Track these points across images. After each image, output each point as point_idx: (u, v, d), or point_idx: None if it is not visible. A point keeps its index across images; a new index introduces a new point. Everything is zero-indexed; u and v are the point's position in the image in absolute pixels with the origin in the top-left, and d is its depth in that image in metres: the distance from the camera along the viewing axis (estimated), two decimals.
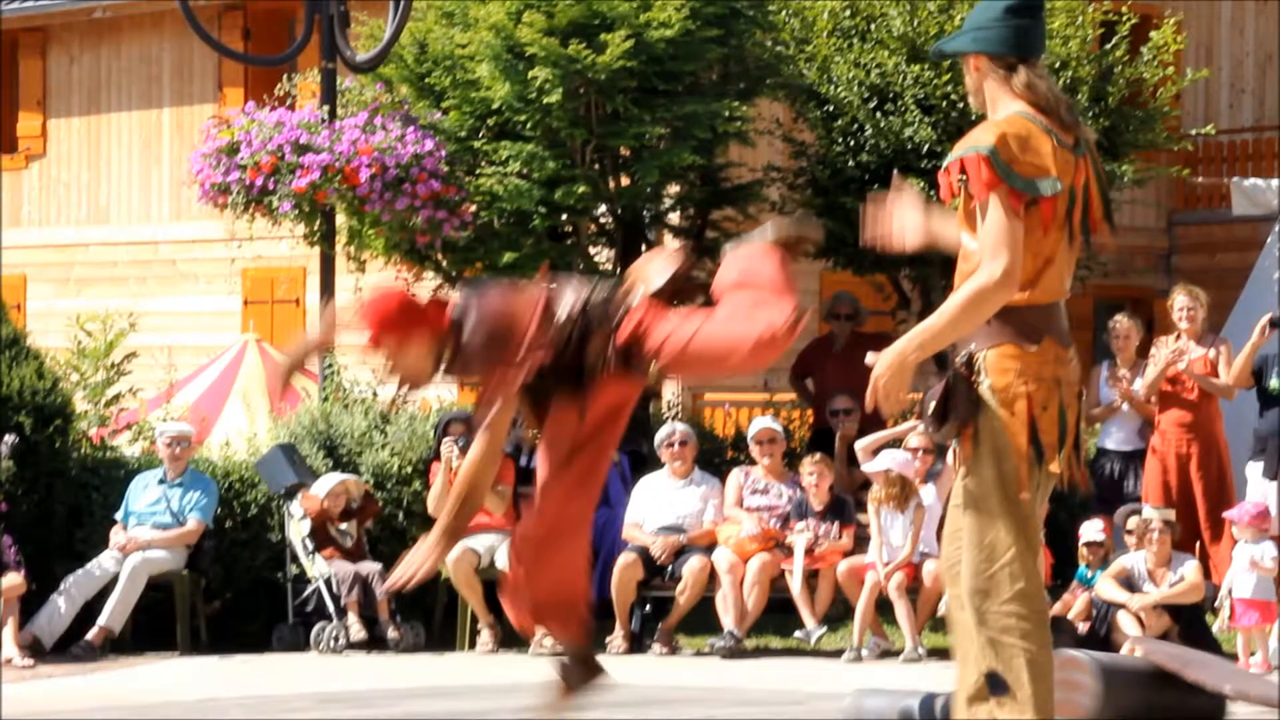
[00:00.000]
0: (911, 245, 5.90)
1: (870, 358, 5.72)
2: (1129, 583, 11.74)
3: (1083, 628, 11.75)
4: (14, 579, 11.94)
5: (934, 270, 14.33)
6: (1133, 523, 11.95)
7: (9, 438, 12.50)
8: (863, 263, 15.06)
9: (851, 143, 14.73)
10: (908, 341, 5.65)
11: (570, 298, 6.33)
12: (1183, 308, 12.70)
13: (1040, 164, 5.64)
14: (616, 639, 12.37)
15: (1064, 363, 5.76)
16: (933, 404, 5.74)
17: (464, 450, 12.55)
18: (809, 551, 12.23)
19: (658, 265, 6.48)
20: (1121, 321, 13.15)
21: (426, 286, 14.88)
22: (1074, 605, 11.75)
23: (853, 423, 13.34)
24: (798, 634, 12.14)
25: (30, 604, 12.17)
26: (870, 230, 5.88)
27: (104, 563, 12.54)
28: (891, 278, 15.31)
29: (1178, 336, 12.76)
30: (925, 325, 5.66)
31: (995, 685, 5.67)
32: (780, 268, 6.40)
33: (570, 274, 6.54)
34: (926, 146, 14.36)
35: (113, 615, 12.30)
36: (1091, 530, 11.95)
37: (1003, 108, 5.75)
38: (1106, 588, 11.73)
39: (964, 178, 5.64)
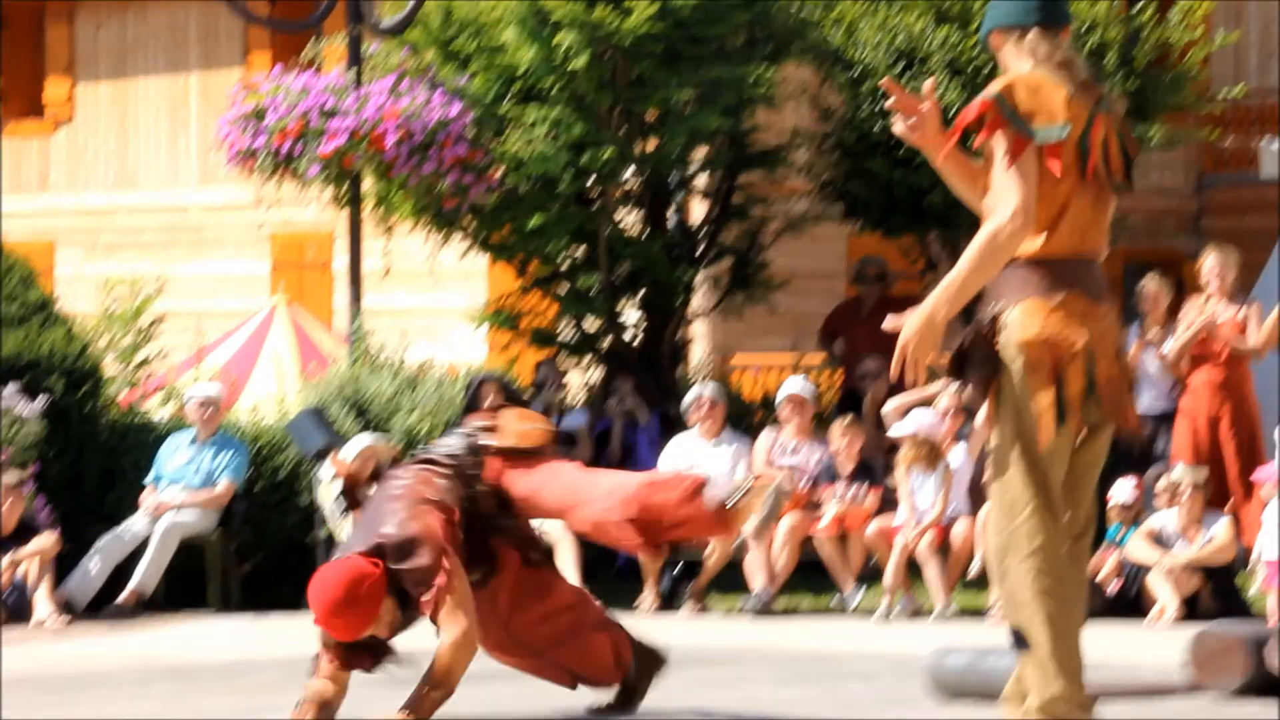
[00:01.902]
0: (920, 138, 5.86)
1: (892, 321, 5.69)
2: (1160, 542, 11.75)
3: (1113, 587, 11.77)
4: (48, 539, 12.01)
5: (962, 232, 14.31)
6: (1163, 482, 11.97)
7: (40, 400, 12.55)
8: (890, 225, 15.05)
9: (878, 106, 14.69)
10: (933, 300, 5.64)
11: (441, 480, 6.98)
12: (1214, 267, 12.69)
13: (1051, 111, 5.66)
14: (647, 600, 12.40)
15: (1094, 317, 5.74)
16: (951, 362, 5.76)
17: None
18: (839, 517, 12.25)
19: (520, 429, 7.16)
20: (1151, 284, 13.13)
21: (455, 250, 14.91)
22: (1104, 566, 11.76)
23: (882, 385, 13.34)
24: (834, 601, 12.16)
25: (63, 565, 12.23)
26: (897, 100, 5.83)
27: (135, 525, 12.60)
28: (919, 240, 15.29)
29: (1207, 298, 12.74)
30: (948, 280, 5.66)
31: (1018, 641, 5.70)
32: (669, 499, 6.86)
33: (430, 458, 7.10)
34: (954, 110, 14.33)
35: (144, 577, 12.36)
36: (1122, 490, 11.96)
37: (1018, 69, 5.78)
38: (1138, 547, 11.74)
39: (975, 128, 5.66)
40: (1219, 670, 7.80)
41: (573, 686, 7.24)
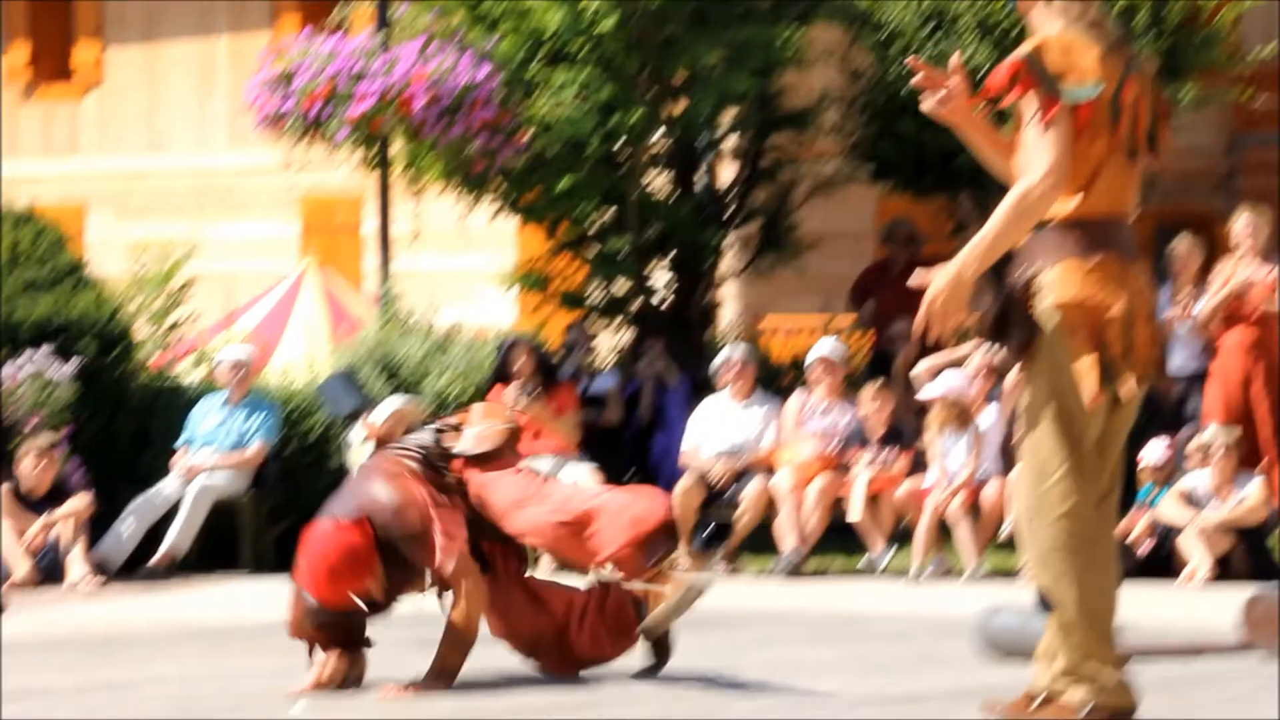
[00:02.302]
0: (949, 113, 5.85)
1: (919, 278, 5.68)
2: (1192, 503, 11.74)
3: (1145, 548, 11.77)
4: (81, 502, 12.06)
5: (993, 194, 14.26)
6: (1195, 443, 11.95)
7: (72, 363, 12.60)
8: (920, 186, 15.02)
9: (907, 67, 14.65)
10: (963, 258, 5.63)
11: (413, 464, 7.12)
12: (1245, 227, 12.65)
13: (1083, 71, 5.64)
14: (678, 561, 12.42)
15: (1130, 277, 5.74)
16: (990, 324, 5.74)
17: (530, 396, 12.64)
18: (869, 481, 12.25)
19: (477, 431, 7.23)
20: (1182, 244, 13.09)
21: (484, 213, 14.91)
22: (1135, 527, 11.76)
23: (912, 347, 13.32)
24: (863, 563, 12.18)
25: (96, 527, 12.29)
26: (923, 79, 5.81)
27: (167, 487, 12.65)
28: (950, 202, 15.26)
29: (1239, 259, 12.70)
30: (977, 239, 5.65)
31: (1045, 602, 5.70)
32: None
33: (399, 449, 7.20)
34: (984, 71, 14.28)
35: (178, 539, 12.42)
36: (1154, 451, 11.95)
37: (1049, 30, 5.76)
38: (1169, 508, 11.73)
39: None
40: (1272, 632, 7.81)
41: (575, 673, 7.23)
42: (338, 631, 6.87)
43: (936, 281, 5.62)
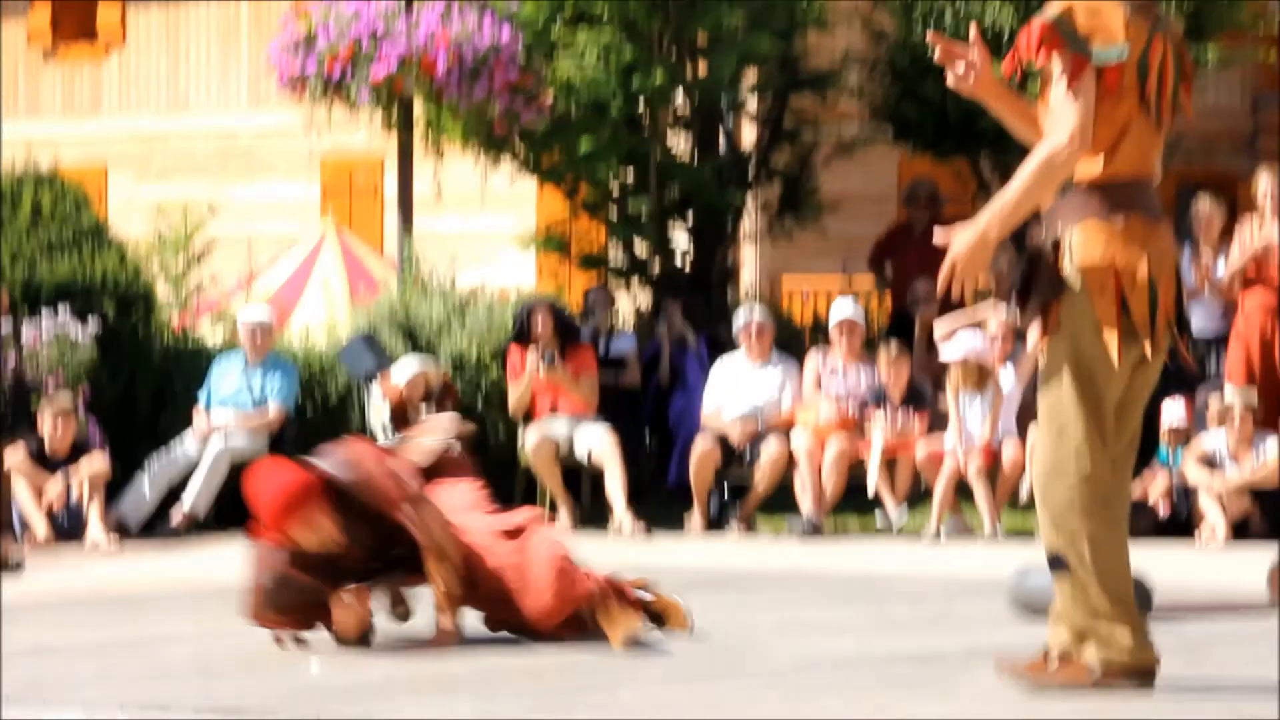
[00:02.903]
0: (973, 87, 5.83)
1: (941, 236, 5.67)
2: (1211, 464, 11.72)
3: (1164, 509, 11.75)
4: (100, 462, 12.09)
5: (1014, 156, 14.22)
6: (1215, 404, 11.92)
7: (92, 324, 12.62)
8: (942, 148, 14.98)
9: (930, 28, 14.60)
10: (986, 218, 5.63)
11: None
12: (1268, 188, 12.59)
13: (1110, 32, 5.62)
14: (695, 522, 12.44)
15: (1155, 238, 5.72)
16: (1015, 286, 5.73)
17: (550, 362, 12.63)
18: (887, 444, 12.24)
19: (417, 446, 7.26)
20: (1204, 205, 13.05)
21: (505, 174, 14.91)
22: (1154, 487, 11.74)
23: (932, 308, 13.30)
24: (879, 522, 12.18)
25: (115, 487, 12.32)
26: (943, 53, 5.79)
27: (186, 447, 12.68)
28: (971, 163, 15.22)
29: (1261, 220, 12.66)
30: (1000, 199, 5.64)
31: (1055, 564, 5.70)
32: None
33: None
34: (1007, 31, 14.22)
35: (196, 500, 12.45)
36: (1173, 412, 11.92)
37: None
38: (1188, 469, 11.71)
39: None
40: None
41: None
42: (304, 598, 6.83)
43: (959, 241, 5.61)
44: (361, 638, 6.89)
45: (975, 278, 5.65)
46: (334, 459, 6.95)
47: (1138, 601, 5.86)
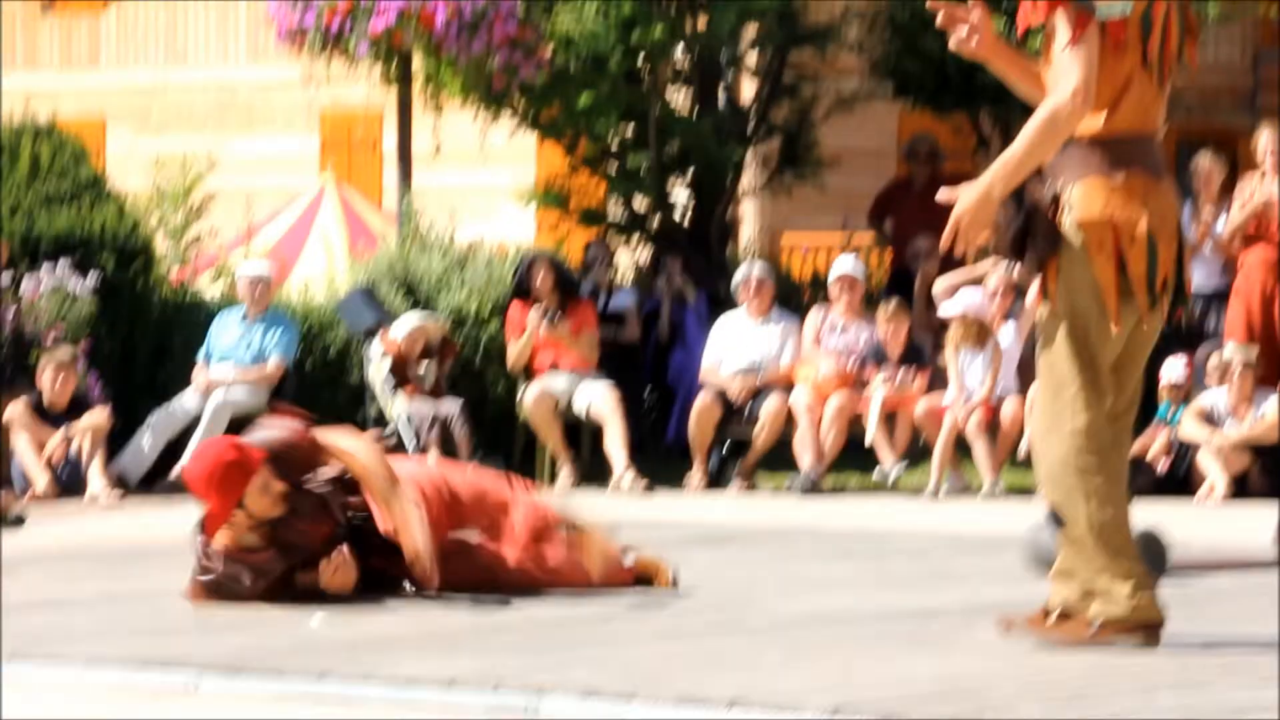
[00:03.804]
0: (976, 48, 5.81)
1: (945, 194, 5.67)
2: (1210, 421, 11.73)
3: (1163, 466, 11.77)
4: (100, 415, 12.09)
5: (1015, 111, 14.19)
6: (1214, 361, 11.92)
7: (91, 277, 12.61)
8: (942, 103, 14.94)
9: None
10: (990, 176, 5.63)
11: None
12: (1269, 144, 12.56)
13: None
14: (695, 478, 12.45)
15: (1156, 195, 5.71)
16: (1010, 239, 5.73)
17: (552, 321, 12.62)
18: (885, 397, 12.25)
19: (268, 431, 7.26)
20: (1204, 161, 13.02)
21: (504, 129, 14.87)
22: (1153, 444, 11.75)
23: (933, 264, 13.29)
24: (875, 474, 12.20)
25: (116, 441, 12.33)
26: (945, 18, 5.77)
27: (186, 401, 12.68)
28: (971, 118, 15.19)
29: (1262, 176, 12.64)
30: (1004, 157, 5.64)
31: (1056, 519, 5.71)
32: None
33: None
34: None
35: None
36: (1173, 368, 11.93)
37: None
38: (1188, 426, 11.72)
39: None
40: None
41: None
42: (258, 578, 6.86)
43: (964, 198, 5.62)
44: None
45: (979, 236, 5.64)
46: (258, 432, 7.06)
47: (1153, 560, 5.86)
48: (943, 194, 5.68)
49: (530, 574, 7.00)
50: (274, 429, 7.16)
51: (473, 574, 6.96)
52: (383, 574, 6.94)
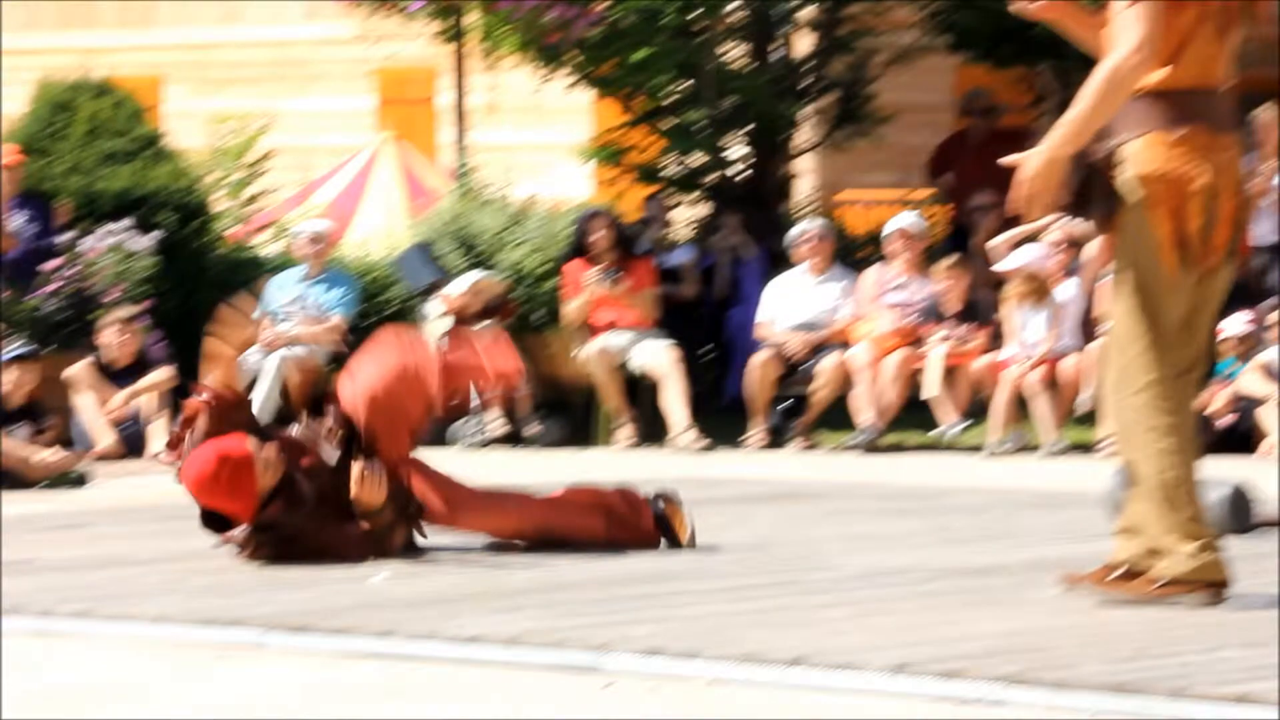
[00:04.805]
0: (1039, 10, 5.79)
1: (1012, 159, 5.65)
2: (1272, 376, 11.66)
3: (1224, 421, 11.71)
4: (162, 374, 12.16)
5: (1073, 64, 14.10)
6: (1276, 316, 11.85)
7: (151, 236, 12.66)
8: (999, 56, 14.86)
9: None
10: (1054, 138, 5.60)
11: None
12: None
13: None
14: (754, 435, 12.45)
15: (1216, 150, 5.67)
16: (1071, 195, 5.70)
17: (610, 279, 12.63)
18: (944, 354, 12.22)
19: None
20: (1264, 114, 12.93)
21: (559, 85, 14.84)
22: (1215, 400, 11.70)
23: (993, 219, 13.24)
24: (934, 432, 12.18)
25: (181, 398, 12.37)
26: None
27: (248, 359, 12.73)
28: (1029, 72, 15.10)
29: None
30: (1067, 117, 5.61)
31: (1130, 475, 5.69)
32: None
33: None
34: None
35: (258, 410, 12.49)
36: (1235, 324, 11.86)
37: None
38: (1250, 381, 11.66)
39: None
40: None
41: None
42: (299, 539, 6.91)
43: (1029, 163, 5.60)
44: (385, 512, 6.90)
45: (1048, 199, 5.62)
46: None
47: (1239, 516, 5.83)
48: (1009, 159, 5.66)
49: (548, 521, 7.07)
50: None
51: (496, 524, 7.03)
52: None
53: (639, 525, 7.18)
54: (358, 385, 7.08)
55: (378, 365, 7.12)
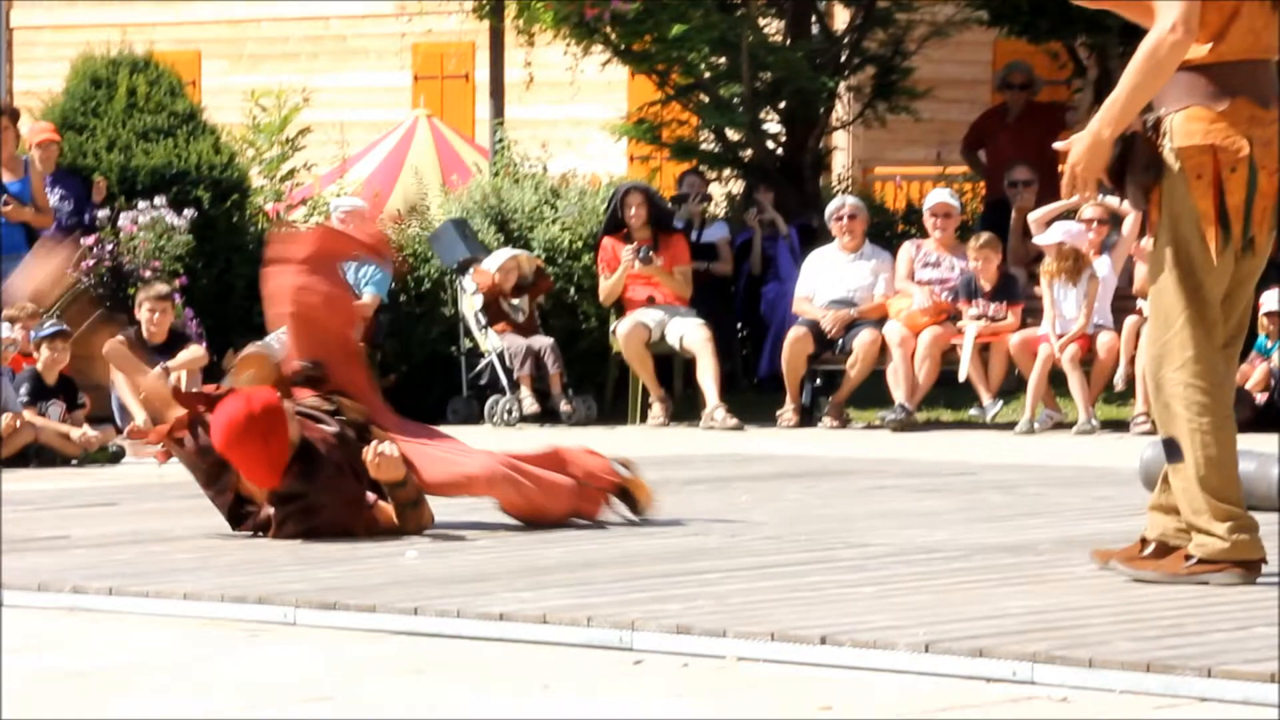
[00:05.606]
0: None
1: (1061, 144, 5.62)
2: None
3: (1261, 398, 11.66)
4: (196, 351, 12.19)
5: (1111, 37, 14.04)
6: None
7: (188, 212, 12.69)
8: (1037, 30, 14.79)
9: None
10: (1100, 119, 5.56)
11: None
12: None
13: None
14: (787, 412, 12.43)
15: (1261, 123, 5.61)
16: (1111, 168, 5.67)
17: (645, 256, 12.62)
18: (979, 331, 12.19)
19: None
20: None
21: (596, 60, 14.83)
22: (1252, 376, 11.65)
23: (1030, 194, 13.18)
24: (972, 411, 12.15)
25: (211, 376, 12.41)
26: None
27: (283, 335, 12.73)
28: (1067, 45, 15.03)
29: None
30: (1113, 97, 5.57)
31: (1171, 451, 5.66)
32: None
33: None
34: None
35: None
36: (1272, 300, 11.80)
37: None
38: None
39: None
40: None
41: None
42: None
43: (1076, 146, 5.57)
44: (408, 486, 6.91)
45: (1096, 181, 5.59)
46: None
47: None
48: (1059, 144, 5.63)
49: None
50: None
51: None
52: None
53: (594, 496, 7.18)
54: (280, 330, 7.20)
55: (277, 301, 7.35)
